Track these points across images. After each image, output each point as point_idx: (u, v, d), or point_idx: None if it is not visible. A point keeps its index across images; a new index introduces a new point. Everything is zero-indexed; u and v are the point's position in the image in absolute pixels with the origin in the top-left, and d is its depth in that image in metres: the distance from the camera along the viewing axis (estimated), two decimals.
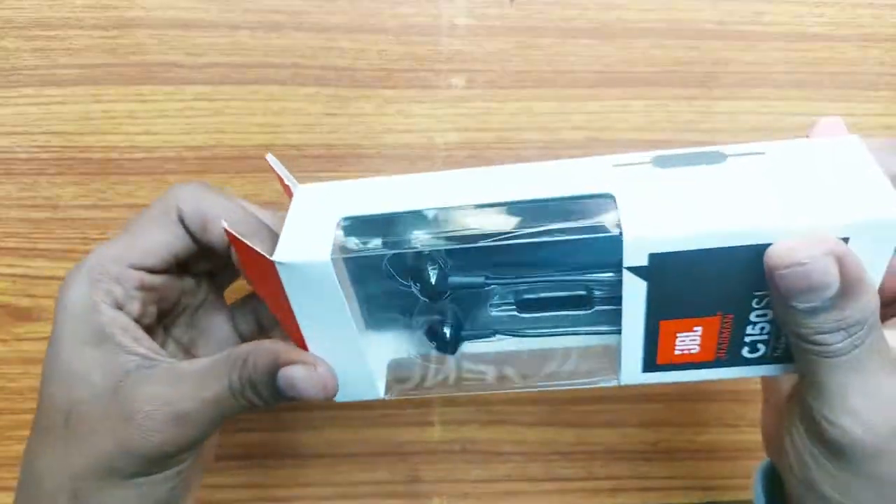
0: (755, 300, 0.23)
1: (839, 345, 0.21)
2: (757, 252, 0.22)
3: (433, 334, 0.27)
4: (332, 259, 0.24)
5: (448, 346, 0.27)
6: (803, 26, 0.37)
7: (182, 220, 0.27)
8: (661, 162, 0.24)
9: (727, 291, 0.23)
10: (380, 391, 0.27)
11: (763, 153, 0.24)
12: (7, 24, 0.36)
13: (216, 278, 0.32)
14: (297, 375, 0.25)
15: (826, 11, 0.37)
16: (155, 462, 0.26)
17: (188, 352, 0.31)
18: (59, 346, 0.26)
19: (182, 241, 0.28)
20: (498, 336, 0.27)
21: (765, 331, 0.24)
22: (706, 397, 0.41)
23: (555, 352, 0.27)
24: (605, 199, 0.23)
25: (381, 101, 0.37)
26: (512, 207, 0.24)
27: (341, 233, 0.24)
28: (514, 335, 0.27)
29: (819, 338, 0.22)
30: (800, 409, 0.24)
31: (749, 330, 0.24)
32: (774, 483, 0.29)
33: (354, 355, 0.26)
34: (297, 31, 0.36)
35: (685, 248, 0.22)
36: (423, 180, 0.26)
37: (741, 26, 0.37)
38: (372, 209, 0.25)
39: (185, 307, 0.31)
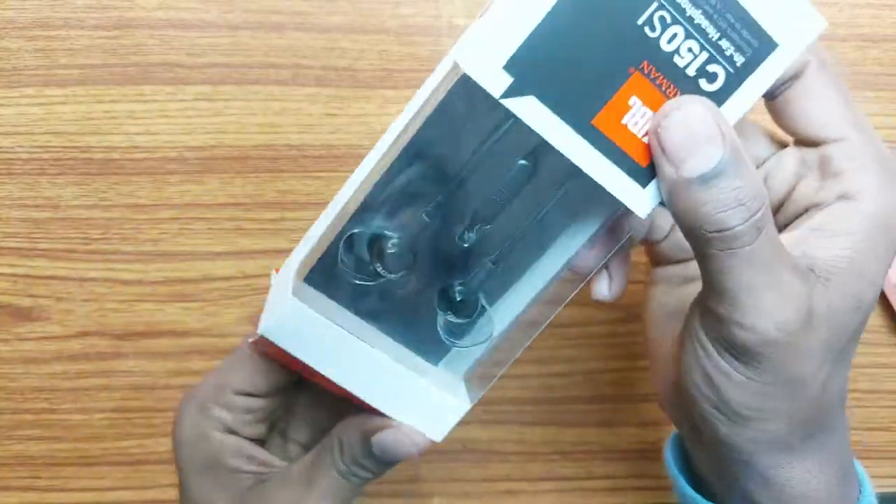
0: (647, 28, 0.20)
1: (742, 226, 0.20)
2: None
3: (446, 307, 0.26)
4: (293, 295, 0.24)
5: (466, 307, 0.26)
6: None
7: None
8: None
9: (613, 43, 0.20)
10: (465, 402, 0.27)
11: None
12: (8, 24, 0.36)
13: None
14: (386, 440, 0.26)
15: (825, 12, 0.37)
16: None
17: (308, 448, 0.31)
18: (182, 476, 0.28)
19: (284, 372, 0.28)
20: (498, 267, 0.26)
21: (695, 49, 0.21)
22: None
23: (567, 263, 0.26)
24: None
25: (382, 102, 0.37)
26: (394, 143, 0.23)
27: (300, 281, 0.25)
28: (503, 254, 0.26)
29: (721, 217, 0.20)
30: (706, 327, 0.23)
31: (679, 61, 0.21)
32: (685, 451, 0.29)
33: (407, 379, 0.26)
34: (298, 32, 0.37)
35: (526, 33, 0.20)
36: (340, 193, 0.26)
37: None
38: (311, 240, 0.25)
39: (296, 409, 0.31)
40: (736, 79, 0.22)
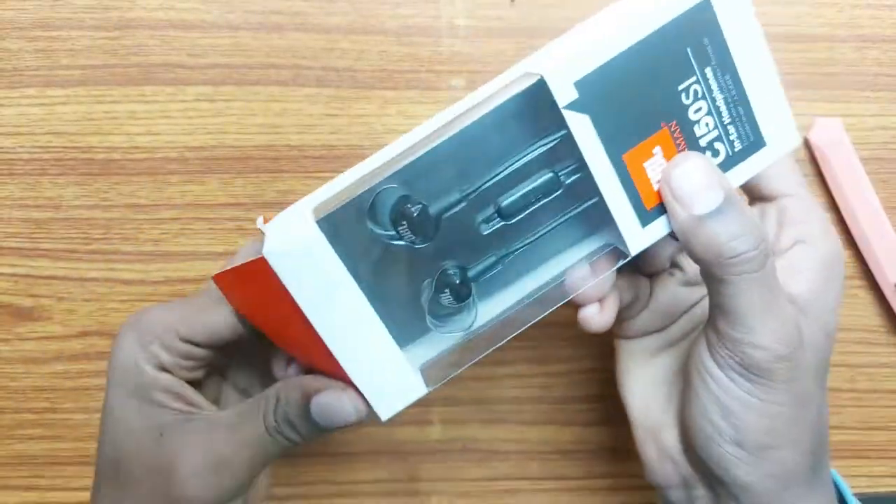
0: (683, 95, 0.25)
1: (753, 252, 0.24)
2: (661, 42, 0.24)
3: (443, 286, 0.27)
4: (317, 224, 0.24)
5: (461, 290, 0.27)
6: (802, 27, 0.38)
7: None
8: None
9: (657, 97, 0.25)
10: (423, 387, 0.27)
11: None
12: (9, 24, 0.36)
13: None
14: (327, 401, 0.26)
15: (825, 12, 0.38)
16: None
17: (247, 394, 0.32)
18: (109, 398, 0.28)
19: (234, 328, 0.28)
20: (500, 265, 0.27)
21: (710, 125, 0.25)
22: None
23: (557, 277, 0.27)
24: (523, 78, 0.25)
25: (382, 102, 0.37)
26: (450, 123, 0.25)
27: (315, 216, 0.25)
28: (511, 253, 0.27)
29: (734, 244, 0.24)
30: (718, 356, 0.26)
31: (697, 130, 0.25)
32: None
33: (383, 346, 0.26)
34: (298, 32, 0.37)
35: (601, 61, 0.23)
36: (379, 154, 0.26)
37: None
38: (334, 188, 0.26)
39: (238, 353, 0.31)
40: (730, 161, 0.26)
